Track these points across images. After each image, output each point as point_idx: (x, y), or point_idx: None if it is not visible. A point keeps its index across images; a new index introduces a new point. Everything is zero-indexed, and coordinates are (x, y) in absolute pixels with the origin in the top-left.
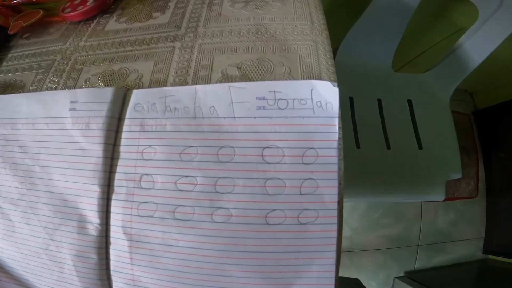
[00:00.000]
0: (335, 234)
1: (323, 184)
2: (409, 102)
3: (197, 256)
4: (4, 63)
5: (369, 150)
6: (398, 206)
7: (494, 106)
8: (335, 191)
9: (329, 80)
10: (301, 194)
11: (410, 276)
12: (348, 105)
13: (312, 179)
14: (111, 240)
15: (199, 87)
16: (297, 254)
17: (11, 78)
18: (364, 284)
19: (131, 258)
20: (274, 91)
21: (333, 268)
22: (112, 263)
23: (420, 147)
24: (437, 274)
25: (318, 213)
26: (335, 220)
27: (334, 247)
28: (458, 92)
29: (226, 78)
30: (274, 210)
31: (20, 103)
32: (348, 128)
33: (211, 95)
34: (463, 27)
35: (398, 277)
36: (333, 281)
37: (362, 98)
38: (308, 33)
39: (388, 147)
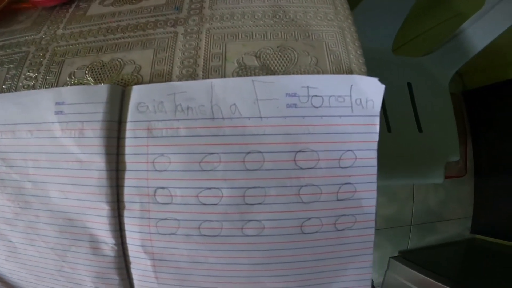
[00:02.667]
0: (372, 237)
1: (361, 188)
2: (409, 85)
3: (230, 271)
4: None
5: None
6: (391, 186)
7: (484, 86)
8: (373, 194)
9: (360, 72)
10: (338, 200)
11: (404, 256)
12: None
13: (350, 183)
14: (131, 259)
15: (215, 81)
16: (333, 260)
17: None
18: None
19: (156, 278)
20: (307, 87)
21: (369, 270)
22: (135, 283)
23: (420, 130)
24: (429, 253)
25: (355, 218)
26: (373, 224)
27: (370, 251)
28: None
29: (244, 69)
30: (309, 218)
31: None
32: None
33: (231, 91)
34: (462, 12)
35: (393, 257)
36: (369, 283)
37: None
38: (332, 18)
39: (389, 130)
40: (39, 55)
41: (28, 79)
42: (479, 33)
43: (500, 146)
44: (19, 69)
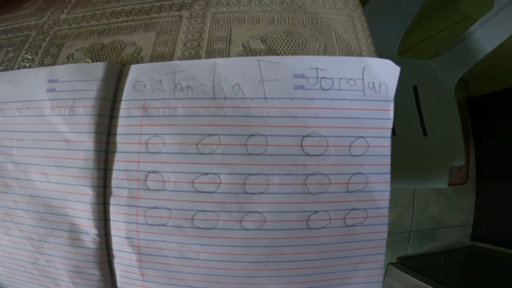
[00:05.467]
0: (385, 235)
1: (374, 180)
2: (414, 88)
3: (225, 270)
4: None
5: None
6: (393, 191)
7: (488, 94)
8: (387, 187)
9: None
10: (348, 191)
11: (402, 262)
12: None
13: (361, 173)
14: (115, 253)
15: (218, 60)
16: (342, 260)
17: None
18: None
19: (142, 274)
20: (316, 68)
21: (381, 272)
22: (118, 279)
23: (425, 134)
24: (429, 260)
25: (367, 213)
26: (386, 220)
27: (383, 250)
28: None
29: (248, 52)
30: (317, 212)
31: None
32: None
33: (234, 71)
34: (470, 15)
35: (392, 263)
36: (380, 286)
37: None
38: (341, 7)
39: (394, 133)
40: (40, 38)
41: (25, 60)
42: (486, 37)
43: (502, 154)
44: (17, 52)
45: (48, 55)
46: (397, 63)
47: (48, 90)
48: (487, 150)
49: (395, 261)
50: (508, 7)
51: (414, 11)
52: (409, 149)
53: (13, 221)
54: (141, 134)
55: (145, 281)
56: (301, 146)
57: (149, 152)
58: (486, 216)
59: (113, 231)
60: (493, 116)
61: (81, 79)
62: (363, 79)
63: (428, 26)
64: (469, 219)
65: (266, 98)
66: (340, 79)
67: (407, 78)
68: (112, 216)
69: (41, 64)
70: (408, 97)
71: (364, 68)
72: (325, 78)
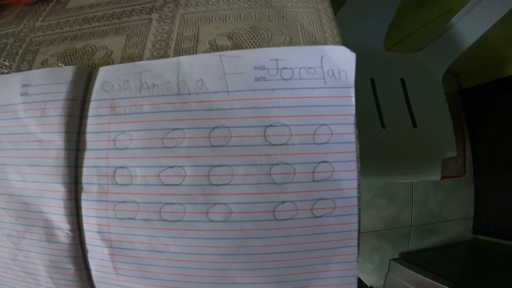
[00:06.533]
0: (356, 226)
1: (340, 168)
2: (402, 81)
3: (194, 262)
4: None
5: (364, 130)
6: (390, 186)
7: (480, 85)
8: (354, 175)
9: None
10: (314, 181)
11: (404, 257)
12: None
13: (327, 161)
14: (88, 247)
15: (183, 58)
16: (313, 253)
17: None
18: (361, 267)
19: (115, 268)
20: (276, 59)
21: (355, 265)
22: (93, 273)
23: (415, 126)
24: (430, 254)
25: (335, 202)
26: (355, 209)
27: (355, 242)
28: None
29: (215, 49)
30: (283, 202)
31: None
32: None
33: (198, 67)
34: (453, 8)
35: (393, 259)
36: (355, 280)
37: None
38: (307, 0)
39: (383, 126)
40: (17, 45)
41: (3, 67)
42: (468, 27)
43: (498, 145)
44: None
45: (24, 61)
46: (384, 57)
47: (22, 94)
48: (482, 141)
49: (397, 256)
50: None
51: (394, 6)
52: (399, 142)
53: None
54: (109, 131)
55: (119, 275)
56: (264, 136)
57: (117, 148)
58: (486, 208)
59: (85, 226)
60: (486, 107)
61: (51, 83)
62: (322, 67)
63: (413, 20)
64: (469, 212)
65: (228, 92)
66: (300, 68)
67: (394, 72)
68: (84, 211)
69: (18, 70)
70: (397, 90)
71: (322, 56)
72: (285, 68)
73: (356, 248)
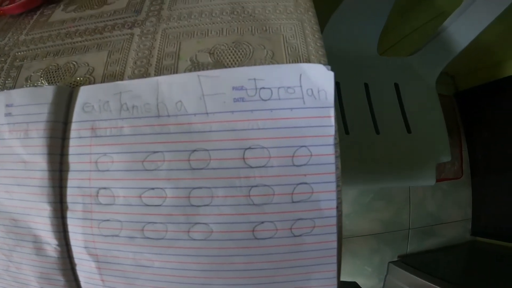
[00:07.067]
0: (335, 244)
1: (319, 189)
2: (396, 85)
3: (179, 277)
4: None
5: (358, 136)
6: (388, 189)
7: (476, 87)
8: (333, 195)
9: (320, 63)
10: (293, 202)
11: (403, 260)
12: (335, 90)
13: (306, 183)
14: (76, 261)
15: (161, 78)
16: (293, 270)
17: None
18: (360, 270)
19: (102, 280)
20: (255, 79)
21: (335, 281)
22: (83, 285)
23: (409, 131)
24: (429, 256)
25: (314, 222)
26: (334, 229)
27: (334, 259)
28: (439, 74)
29: (196, 66)
30: (262, 222)
31: None
32: (336, 113)
33: (177, 88)
34: (445, 10)
35: (392, 262)
36: None
37: (349, 83)
38: (292, 11)
39: (377, 132)
40: (1, 60)
41: None
42: (461, 30)
43: (494, 146)
44: None
45: (9, 77)
46: (376, 61)
47: (6, 115)
48: (479, 143)
49: (396, 259)
50: (476, 1)
51: (387, 10)
52: (393, 147)
53: None
54: (90, 153)
55: (106, 287)
56: (243, 158)
57: (99, 170)
58: (484, 210)
59: (72, 242)
60: (482, 109)
61: (33, 103)
62: (301, 86)
63: (405, 24)
64: (468, 213)
65: (207, 114)
66: (279, 88)
67: (388, 77)
68: (70, 228)
69: (3, 87)
70: (390, 95)
71: (301, 75)
72: (264, 88)
73: (335, 265)
